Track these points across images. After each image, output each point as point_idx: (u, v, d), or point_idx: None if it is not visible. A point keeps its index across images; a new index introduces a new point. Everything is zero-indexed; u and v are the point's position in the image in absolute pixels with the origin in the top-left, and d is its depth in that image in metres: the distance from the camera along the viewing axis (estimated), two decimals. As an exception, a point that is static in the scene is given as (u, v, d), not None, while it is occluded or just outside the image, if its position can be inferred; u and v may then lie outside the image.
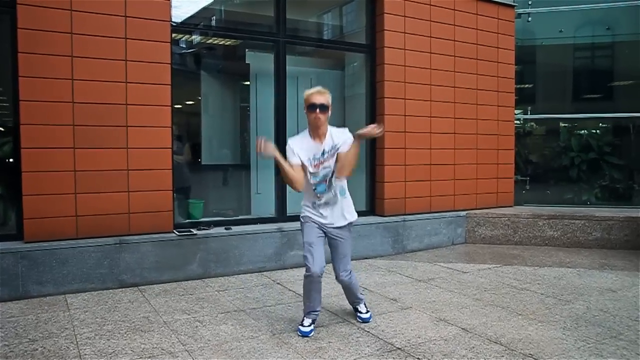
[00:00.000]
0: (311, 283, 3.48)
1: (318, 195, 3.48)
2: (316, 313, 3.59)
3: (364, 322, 3.75)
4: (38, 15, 4.32)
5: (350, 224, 3.61)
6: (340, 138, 3.43)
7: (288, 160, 3.40)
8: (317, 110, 3.35)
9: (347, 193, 3.60)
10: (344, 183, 3.57)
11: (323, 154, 3.42)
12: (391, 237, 6.18)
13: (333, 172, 3.44)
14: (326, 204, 3.50)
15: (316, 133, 3.43)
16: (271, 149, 3.33)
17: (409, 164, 6.35)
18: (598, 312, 4.00)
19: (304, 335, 3.47)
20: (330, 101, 3.43)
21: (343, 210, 3.55)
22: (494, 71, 7.07)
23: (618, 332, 3.57)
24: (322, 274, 3.45)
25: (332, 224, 3.53)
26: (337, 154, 3.41)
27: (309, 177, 3.46)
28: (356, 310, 3.83)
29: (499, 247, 6.63)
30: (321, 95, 3.39)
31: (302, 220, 3.59)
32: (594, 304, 4.23)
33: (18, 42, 4.28)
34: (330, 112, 3.44)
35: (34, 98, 4.34)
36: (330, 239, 3.57)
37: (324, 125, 3.43)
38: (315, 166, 3.43)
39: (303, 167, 3.43)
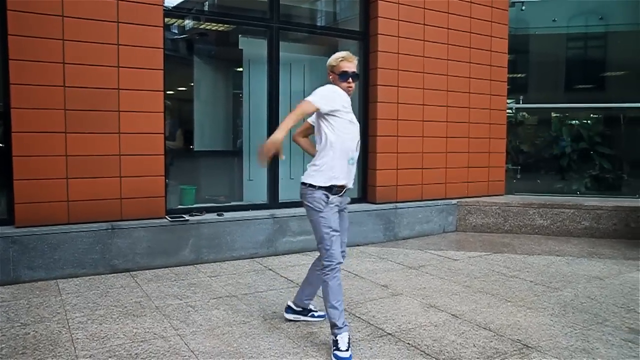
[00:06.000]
0: (338, 276, 3.04)
1: (351, 162, 3.17)
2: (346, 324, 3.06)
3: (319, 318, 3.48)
4: (28, -2, 4.26)
5: None
6: None
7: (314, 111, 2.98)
8: (350, 79, 3.11)
9: None
10: None
11: None
12: (383, 225, 6.22)
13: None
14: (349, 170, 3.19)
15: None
16: (271, 146, 2.80)
17: (401, 151, 6.37)
18: (585, 299, 4.06)
19: None
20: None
21: None
22: (487, 60, 7.07)
23: (604, 318, 3.63)
24: None
25: (349, 188, 3.21)
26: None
27: (347, 137, 3.15)
28: (310, 310, 3.54)
29: (490, 235, 6.69)
30: (351, 63, 3.12)
31: (321, 200, 3.02)
32: (581, 291, 4.29)
33: (8, 25, 4.22)
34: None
35: (25, 81, 4.29)
36: (340, 211, 3.19)
37: None
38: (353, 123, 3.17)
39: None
